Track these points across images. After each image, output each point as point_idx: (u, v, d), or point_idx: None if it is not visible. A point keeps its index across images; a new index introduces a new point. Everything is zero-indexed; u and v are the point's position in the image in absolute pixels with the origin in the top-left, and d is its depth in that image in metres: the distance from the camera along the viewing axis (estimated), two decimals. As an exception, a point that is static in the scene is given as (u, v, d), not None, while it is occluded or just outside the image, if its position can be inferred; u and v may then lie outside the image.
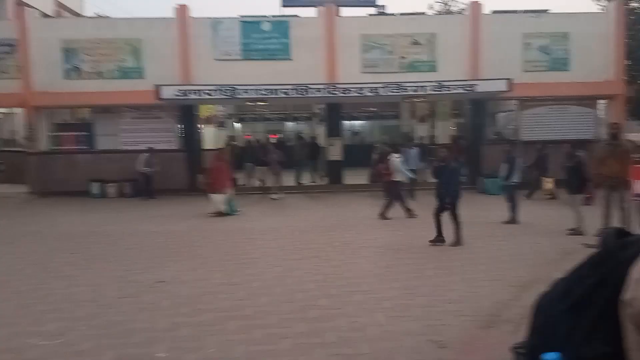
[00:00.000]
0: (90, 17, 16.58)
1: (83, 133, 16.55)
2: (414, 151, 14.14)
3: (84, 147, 16.35)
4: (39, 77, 15.70)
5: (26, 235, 9.78)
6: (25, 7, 16.32)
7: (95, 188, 15.49)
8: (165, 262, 7.44)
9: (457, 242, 8.07)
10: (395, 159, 10.96)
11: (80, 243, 8.90)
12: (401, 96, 15.38)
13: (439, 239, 8.17)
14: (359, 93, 14.75)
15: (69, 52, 15.83)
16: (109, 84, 15.66)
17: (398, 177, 10.87)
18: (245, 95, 14.82)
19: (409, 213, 10.70)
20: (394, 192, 10.87)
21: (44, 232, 10.06)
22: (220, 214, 11.46)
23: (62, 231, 10.15)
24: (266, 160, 15.10)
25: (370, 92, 14.62)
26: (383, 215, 10.68)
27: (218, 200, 11.59)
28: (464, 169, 8.58)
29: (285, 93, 14.73)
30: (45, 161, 15.94)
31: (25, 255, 8.06)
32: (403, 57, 16.20)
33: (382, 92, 14.61)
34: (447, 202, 8.11)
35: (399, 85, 14.61)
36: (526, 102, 16.58)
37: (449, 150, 9.43)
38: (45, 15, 18.73)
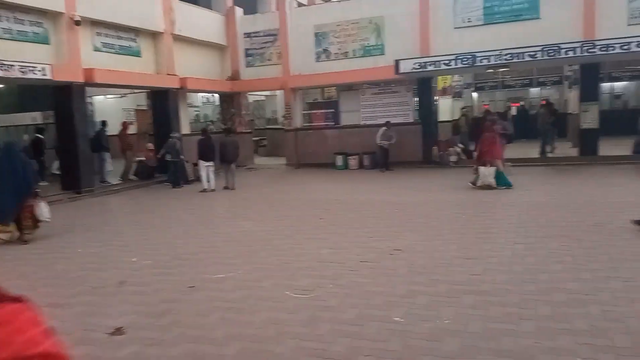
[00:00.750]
0: (338, 1, 17.79)
1: (330, 110, 18.14)
2: None
3: (331, 123, 17.92)
4: (295, 61, 17.65)
5: (283, 202, 11.27)
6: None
7: (339, 160, 16.89)
8: (401, 232, 7.68)
9: None
10: None
11: (327, 209, 9.83)
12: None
13: None
14: (624, 49, 12.63)
15: (319, 36, 17.37)
16: (352, 63, 16.69)
17: None
18: (485, 62, 14.10)
19: None
20: None
21: (299, 199, 11.44)
22: (489, 187, 10.91)
23: (313, 198, 11.37)
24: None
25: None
26: None
27: (487, 173, 11.01)
28: None
29: (532, 56, 13.53)
30: (299, 137, 17.98)
31: (284, 218, 9.28)
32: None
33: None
34: None
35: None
36: None
37: None
38: (300, 5, 20.87)
